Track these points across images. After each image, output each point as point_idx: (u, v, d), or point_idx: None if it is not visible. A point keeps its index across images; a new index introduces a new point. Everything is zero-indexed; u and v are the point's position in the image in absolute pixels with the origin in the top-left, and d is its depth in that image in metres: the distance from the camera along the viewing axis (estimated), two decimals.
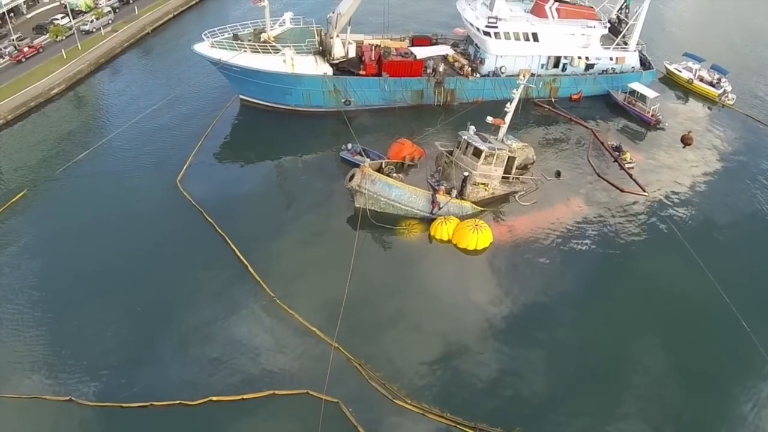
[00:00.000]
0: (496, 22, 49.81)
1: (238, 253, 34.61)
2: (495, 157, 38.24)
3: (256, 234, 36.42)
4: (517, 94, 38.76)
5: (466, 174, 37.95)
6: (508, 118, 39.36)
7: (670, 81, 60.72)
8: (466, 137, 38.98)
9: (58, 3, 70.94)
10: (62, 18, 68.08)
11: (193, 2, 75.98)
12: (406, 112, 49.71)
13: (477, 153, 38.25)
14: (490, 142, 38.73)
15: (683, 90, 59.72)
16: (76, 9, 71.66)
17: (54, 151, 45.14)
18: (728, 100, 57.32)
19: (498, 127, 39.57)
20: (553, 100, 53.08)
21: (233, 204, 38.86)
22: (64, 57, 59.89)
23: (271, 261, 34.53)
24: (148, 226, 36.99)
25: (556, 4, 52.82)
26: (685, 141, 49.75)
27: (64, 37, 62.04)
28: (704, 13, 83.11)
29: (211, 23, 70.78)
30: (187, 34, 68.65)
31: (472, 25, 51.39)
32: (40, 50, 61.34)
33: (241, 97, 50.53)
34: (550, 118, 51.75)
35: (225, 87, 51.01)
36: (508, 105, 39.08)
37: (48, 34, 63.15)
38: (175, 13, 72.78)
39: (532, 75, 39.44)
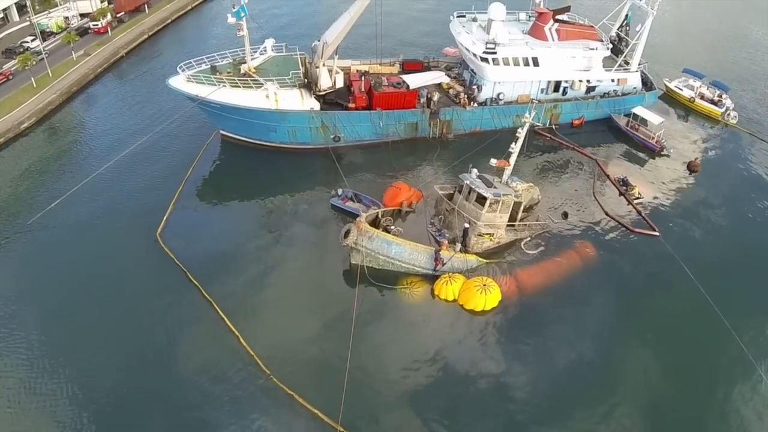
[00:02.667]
0: (494, 48, 46.82)
1: (228, 323, 31.67)
2: (500, 203, 35.68)
3: (245, 297, 33.50)
4: (522, 133, 36.03)
5: (466, 226, 35.35)
6: (512, 159, 36.73)
7: (670, 99, 58.59)
8: (468, 182, 36.32)
9: (28, 23, 66.71)
10: (32, 41, 64.21)
11: (169, 21, 72.37)
12: (400, 146, 46.55)
13: (481, 200, 35.68)
14: (494, 187, 36.12)
15: (684, 109, 57.70)
16: (47, 30, 67.86)
17: (24, 197, 41.81)
18: (731, 118, 55.44)
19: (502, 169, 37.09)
20: (553, 127, 50.15)
21: (218, 261, 35.77)
22: (34, 86, 56.38)
23: (264, 330, 31.69)
24: (127, 290, 33.78)
25: (556, 24, 50.18)
26: (692, 168, 47.59)
27: (33, 64, 58.14)
28: (700, 25, 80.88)
29: (189, 44, 68.05)
30: (164, 56, 65.37)
31: (468, 50, 48.38)
32: (10, 77, 57.73)
33: (222, 132, 47.22)
34: (551, 147, 49.06)
35: (205, 120, 47.66)
36: (512, 145, 36.39)
37: (17, 60, 59.18)
38: (150, 33, 69.14)
39: (534, 102, 36.72)
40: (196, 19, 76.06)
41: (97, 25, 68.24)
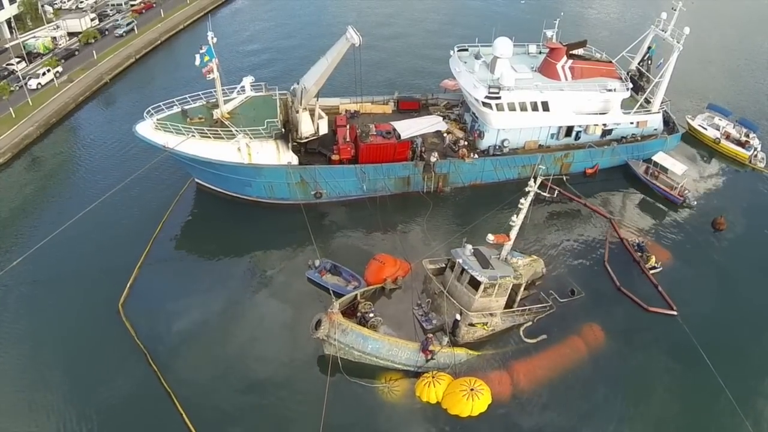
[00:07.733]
0: (498, 92, 41.82)
1: (186, 419, 28.34)
2: (496, 287, 31.44)
3: (207, 387, 30.21)
4: (525, 204, 31.61)
5: (457, 317, 31.24)
6: (513, 234, 32.38)
7: (692, 139, 53.17)
8: (460, 261, 32.00)
9: (18, 41, 63.66)
10: (18, 63, 61.41)
11: (158, 42, 68.66)
12: (388, 202, 41.55)
13: (474, 283, 31.47)
14: (491, 266, 31.75)
15: (708, 150, 52.50)
16: (34, 51, 64.89)
17: None
18: (758, 161, 50.28)
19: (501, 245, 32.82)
20: (564, 178, 41.86)
21: (182, 341, 32.42)
22: (13, 116, 53.57)
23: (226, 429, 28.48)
24: (81, 372, 30.78)
25: (570, 61, 45.14)
26: (716, 226, 42.75)
27: (8, 94, 55.12)
28: (726, 54, 73.72)
29: (181, 66, 64.18)
30: (151, 82, 61.91)
31: (469, 93, 43.70)
32: None
33: (197, 181, 43.33)
34: (559, 203, 42.90)
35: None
36: (513, 218, 31.93)
37: None
38: (138, 56, 65.50)
39: (540, 167, 32.23)
40: (187, 42, 71.99)
41: None
